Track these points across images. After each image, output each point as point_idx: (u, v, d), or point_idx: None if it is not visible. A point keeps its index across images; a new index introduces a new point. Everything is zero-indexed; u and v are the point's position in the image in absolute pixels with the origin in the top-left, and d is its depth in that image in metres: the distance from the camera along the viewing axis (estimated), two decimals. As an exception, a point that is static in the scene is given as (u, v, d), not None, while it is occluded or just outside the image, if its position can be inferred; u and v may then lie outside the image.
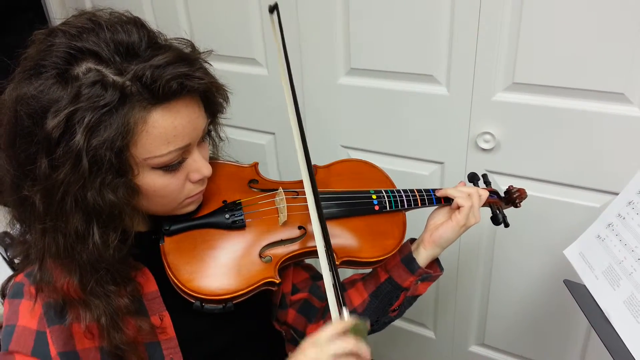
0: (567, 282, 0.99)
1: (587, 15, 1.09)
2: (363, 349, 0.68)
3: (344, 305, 0.71)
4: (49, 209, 0.67)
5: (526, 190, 1.06)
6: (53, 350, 0.74)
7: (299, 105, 0.87)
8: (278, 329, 1.03)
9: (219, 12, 1.57)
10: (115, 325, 0.74)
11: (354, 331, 0.69)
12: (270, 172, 1.73)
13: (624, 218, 0.96)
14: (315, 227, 0.78)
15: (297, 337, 1.08)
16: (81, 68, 0.64)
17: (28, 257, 0.78)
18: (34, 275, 0.74)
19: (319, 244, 0.76)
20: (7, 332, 0.76)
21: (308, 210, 0.87)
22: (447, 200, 0.98)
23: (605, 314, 0.90)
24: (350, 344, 0.67)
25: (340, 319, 0.70)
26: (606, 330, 0.87)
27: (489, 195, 1.00)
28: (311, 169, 0.82)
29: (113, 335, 0.74)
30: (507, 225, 1.02)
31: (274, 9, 0.92)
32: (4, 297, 0.81)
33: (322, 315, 1.01)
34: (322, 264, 0.74)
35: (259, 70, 1.60)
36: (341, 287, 0.73)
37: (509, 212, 1.07)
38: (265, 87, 1.61)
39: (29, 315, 0.75)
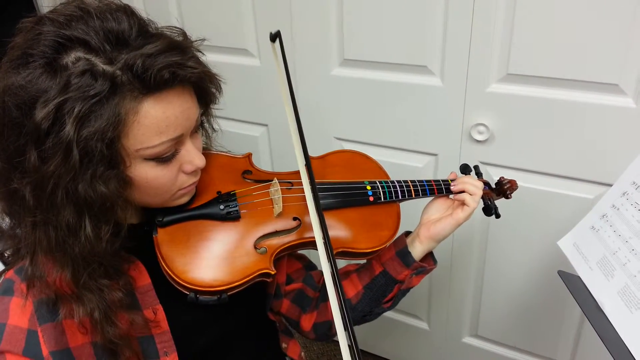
0: (561, 273, 0.99)
1: (582, 6, 1.09)
2: None
3: (344, 299, 0.70)
4: (40, 202, 0.66)
5: (520, 182, 1.07)
6: (45, 350, 0.73)
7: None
8: (272, 318, 1.03)
9: (211, 1, 1.55)
10: (108, 319, 0.73)
11: None
12: (263, 164, 1.72)
13: (618, 209, 0.96)
14: (313, 219, 0.77)
15: (290, 327, 1.08)
16: (70, 57, 0.63)
17: (18, 252, 0.77)
18: (25, 270, 0.72)
19: (318, 236, 0.75)
20: None
21: (303, 201, 0.87)
22: (440, 191, 0.97)
23: (599, 304, 0.90)
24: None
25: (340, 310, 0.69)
26: (600, 321, 0.87)
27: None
28: (309, 163, 0.81)
29: (107, 329, 0.73)
30: (498, 216, 1.02)
31: (275, 37, 0.83)
32: None
33: (315, 305, 1.01)
34: (322, 257, 0.73)
35: (251, 61, 1.59)
36: (339, 275, 0.73)
37: (503, 203, 1.07)
38: (258, 78, 1.60)
39: (19, 313, 0.74)
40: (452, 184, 0.97)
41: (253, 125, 1.71)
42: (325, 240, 0.74)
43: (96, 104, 0.62)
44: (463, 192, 0.95)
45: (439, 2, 1.23)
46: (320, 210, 0.76)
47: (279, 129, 1.66)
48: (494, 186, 1.07)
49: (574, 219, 1.06)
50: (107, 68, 0.63)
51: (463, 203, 0.94)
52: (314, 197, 0.77)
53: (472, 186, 0.95)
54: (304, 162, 0.80)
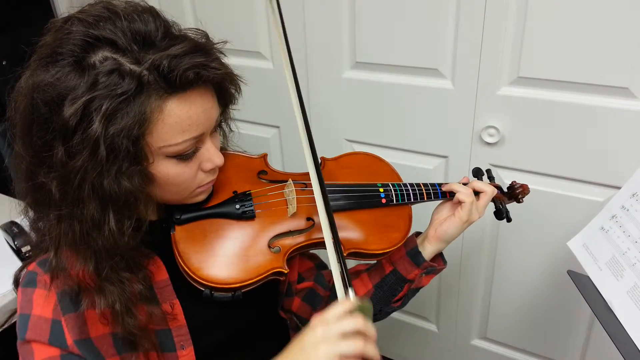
0: (570, 273, 1.00)
1: (592, 10, 1.10)
2: (370, 328, 0.68)
3: (350, 286, 0.72)
4: (66, 196, 0.68)
5: (530, 184, 1.07)
6: (69, 339, 0.75)
7: (304, 100, 0.88)
8: (283, 316, 1.04)
9: (225, 4, 1.57)
10: (128, 311, 0.74)
11: (360, 310, 0.69)
12: (275, 165, 1.73)
13: (627, 210, 0.97)
14: (321, 214, 0.78)
15: (301, 326, 1.09)
16: (98, 56, 0.65)
17: (40, 245, 0.79)
18: (49, 262, 0.74)
19: (326, 230, 0.77)
20: (22, 321, 0.76)
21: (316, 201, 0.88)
22: (452, 195, 0.98)
23: (609, 304, 0.91)
24: (358, 322, 0.67)
25: (347, 298, 0.71)
26: (610, 321, 0.88)
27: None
28: (317, 160, 0.82)
29: (127, 321, 0.74)
30: (509, 220, 1.03)
31: None
32: (17, 286, 0.82)
33: (326, 304, 1.03)
34: (329, 251, 0.75)
35: (264, 64, 1.61)
36: (347, 270, 0.74)
37: (512, 205, 1.08)
38: (270, 81, 1.61)
39: (43, 304, 0.76)
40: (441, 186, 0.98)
41: (265, 127, 1.73)
42: (334, 240, 0.76)
43: (123, 102, 0.64)
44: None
45: (450, 5, 1.24)
46: (329, 210, 0.78)
47: (290, 130, 1.68)
48: (505, 190, 1.07)
49: (584, 221, 1.07)
50: (134, 68, 0.65)
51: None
52: (323, 194, 0.78)
53: (460, 186, 0.95)
54: (311, 156, 0.81)
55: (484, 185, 0.96)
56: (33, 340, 0.75)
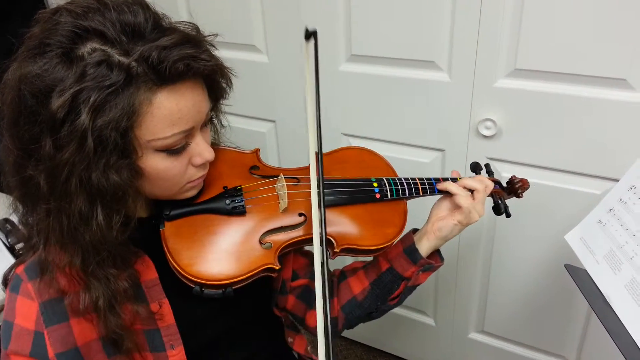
0: (568, 267, 0.99)
1: (589, 1, 1.09)
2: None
3: (331, 298, 0.72)
4: (54, 190, 0.67)
5: (527, 178, 1.06)
6: (50, 352, 0.75)
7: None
8: (277, 314, 1.03)
9: (219, -2, 1.56)
10: (112, 309, 0.74)
11: None
12: (270, 160, 1.73)
13: (625, 203, 0.96)
14: (314, 213, 0.77)
15: (296, 323, 1.08)
16: (86, 48, 0.64)
17: (30, 240, 0.78)
18: (39, 257, 0.74)
19: (315, 231, 0.76)
20: (5, 328, 0.76)
21: (309, 197, 0.87)
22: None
23: (606, 298, 0.91)
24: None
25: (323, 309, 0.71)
26: (607, 314, 0.88)
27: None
28: (321, 162, 0.81)
29: (109, 319, 0.74)
30: (508, 215, 1.01)
31: (311, 35, 0.74)
32: (5, 285, 0.81)
33: None
34: (315, 253, 0.74)
35: (260, 58, 1.59)
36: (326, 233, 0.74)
37: (511, 200, 1.07)
38: (266, 75, 1.60)
39: (25, 313, 0.76)
40: (436, 184, 0.96)
41: (260, 122, 1.72)
42: (322, 235, 0.75)
43: (111, 94, 0.63)
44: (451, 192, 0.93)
45: (447, -3, 1.23)
46: (323, 207, 0.77)
47: (286, 125, 1.67)
48: (505, 185, 1.06)
49: (581, 214, 1.06)
50: (123, 59, 0.64)
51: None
52: (319, 192, 0.77)
53: (458, 188, 0.93)
54: (316, 159, 0.80)
55: (475, 182, 0.93)
56: (14, 352, 0.75)
